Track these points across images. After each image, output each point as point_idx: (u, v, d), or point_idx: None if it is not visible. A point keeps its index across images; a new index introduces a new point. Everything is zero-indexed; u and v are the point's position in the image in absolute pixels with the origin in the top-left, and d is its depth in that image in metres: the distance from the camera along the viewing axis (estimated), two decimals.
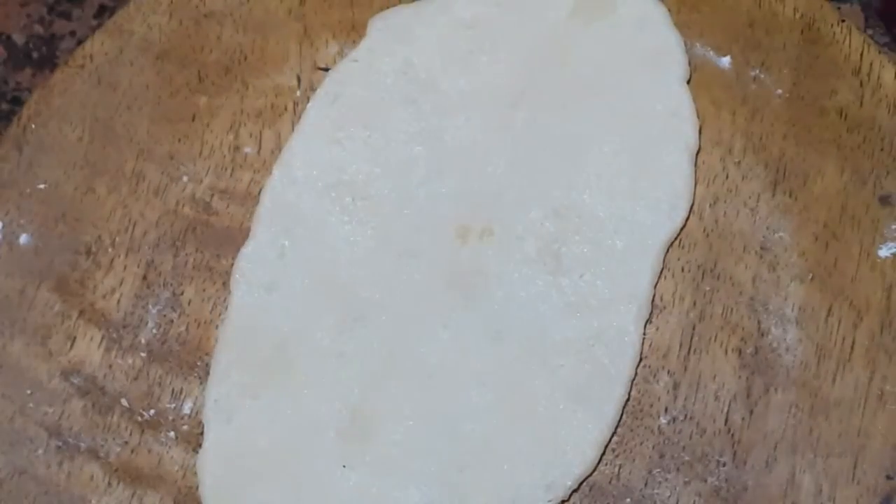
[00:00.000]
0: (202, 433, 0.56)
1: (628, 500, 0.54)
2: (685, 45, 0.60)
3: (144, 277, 0.60)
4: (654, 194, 0.58)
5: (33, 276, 0.60)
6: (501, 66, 0.61)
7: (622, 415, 0.55)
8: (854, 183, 0.57)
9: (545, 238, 0.57)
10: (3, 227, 0.61)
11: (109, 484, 0.56)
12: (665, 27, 0.60)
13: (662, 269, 0.57)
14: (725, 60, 0.60)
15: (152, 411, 0.58)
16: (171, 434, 0.57)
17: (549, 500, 0.53)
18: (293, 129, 0.61)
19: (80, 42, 0.69)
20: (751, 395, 0.55)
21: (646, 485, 0.54)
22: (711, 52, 0.61)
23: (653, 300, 0.56)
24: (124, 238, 0.61)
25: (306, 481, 0.54)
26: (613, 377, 0.54)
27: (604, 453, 0.54)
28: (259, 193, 0.60)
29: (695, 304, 0.57)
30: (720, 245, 0.58)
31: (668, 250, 0.58)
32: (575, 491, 0.54)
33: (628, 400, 0.55)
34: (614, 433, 0.54)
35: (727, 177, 0.59)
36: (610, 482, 0.54)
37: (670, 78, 0.59)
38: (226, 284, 0.59)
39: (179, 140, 0.62)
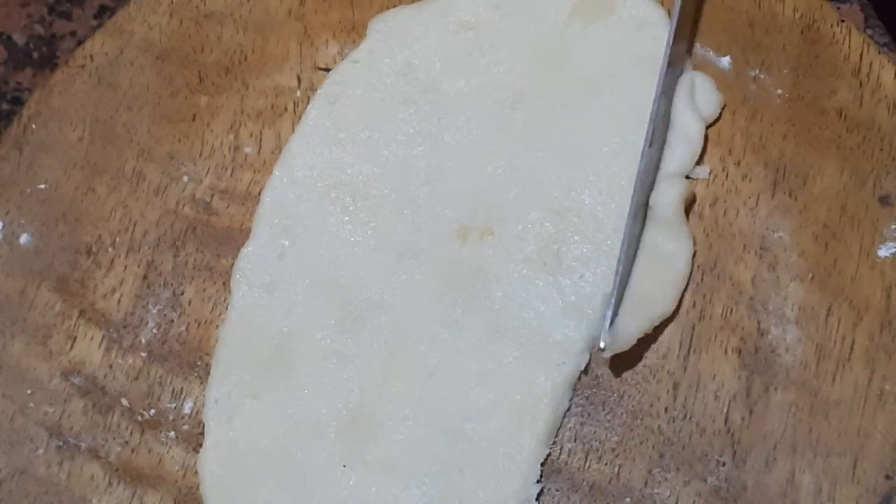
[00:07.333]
0: (202, 433, 0.56)
1: (628, 499, 0.54)
2: None
3: (145, 277, 0.60)
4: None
5: (33, 276, 0.60)
6: (501, 67, 0.61)
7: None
8: (854, 183, 0.57)
9: (545, 238, 0.57)
10: (4, 227, 0.61)
11: (110, 483, 0.56)
12: (664, 29, 0.60)
13: None
14: (725, 60, 0.60)
15: (152, 411, 0.58)
16: (172, 434, 0.57)
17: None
18: (293, 129, 0.61)
19: (80, 42, 0.69)
20: (750, 395, 0.55)
21: (646, 484, 0.54)
22: (711, 52, 0.61)
23: None
24: (124, 238, 0.61)
25: (306, 481, 0.54)
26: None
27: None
28: (259, 193, 0.60)
29: (694, 304, 0.57)
30: (720, 245, 0.58)
31: None
32: (575, 491, 0.54)
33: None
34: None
35: (727, 177, 0.59)
36: (610, 482, 0.54)
37: None
38: (226, 284, 0.59)
39: (180, 140, 0.62)
